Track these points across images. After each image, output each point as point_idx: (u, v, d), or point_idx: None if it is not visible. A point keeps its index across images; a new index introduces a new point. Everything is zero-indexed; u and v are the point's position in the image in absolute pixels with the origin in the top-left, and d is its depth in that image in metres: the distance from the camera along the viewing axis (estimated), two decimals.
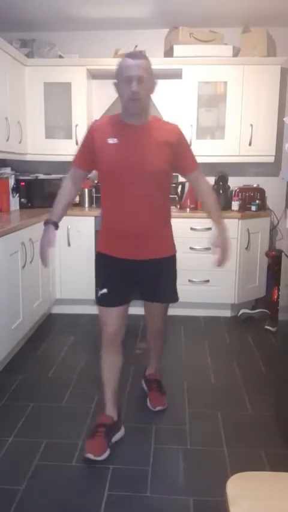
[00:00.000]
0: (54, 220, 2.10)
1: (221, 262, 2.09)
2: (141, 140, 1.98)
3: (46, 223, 2.10)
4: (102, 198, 2.09)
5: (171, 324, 3.67)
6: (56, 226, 2.10)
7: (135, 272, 2.10)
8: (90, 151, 2.02)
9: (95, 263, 2.20)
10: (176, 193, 4.01)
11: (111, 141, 1.96)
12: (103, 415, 2.16)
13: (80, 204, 4.07)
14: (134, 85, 1.86)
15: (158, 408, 2.40)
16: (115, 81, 1.94)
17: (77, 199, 4.09)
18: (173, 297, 2.26)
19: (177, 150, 2.02)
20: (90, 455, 1.98)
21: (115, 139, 1.96)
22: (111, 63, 3.75)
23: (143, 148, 1.97)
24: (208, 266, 3.74)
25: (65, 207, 2.14)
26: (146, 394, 2.51)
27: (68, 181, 2.14)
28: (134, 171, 1.96)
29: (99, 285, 2.13)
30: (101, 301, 2.12)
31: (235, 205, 3.92)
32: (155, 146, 1.98)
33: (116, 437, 2.13)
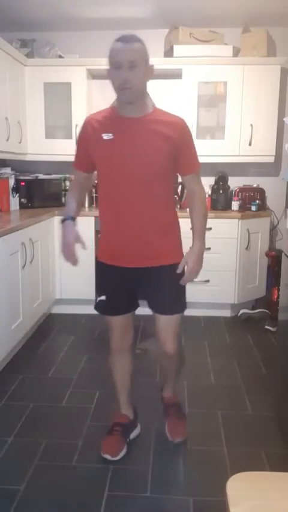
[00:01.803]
0: (72, 215, 1.95)
1: (185, 280, 1.94)
2: (138, 134, 1.79)
3: (64, 220, 1.95)
4: (99, 199, 1.96)
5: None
6: (74, 221, 1.95)
7: (134, 280, 1.93)
8: (86, 149, 1.87)
9: (95, 269, 2.10)
10: (176, 193, 4.01)
11: (106, 136, 1.79)
12: (119, 414, 2.15)
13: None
14: (124, 72, 1.68)
15: (177, 440, 2.11)
16: (107, 67, 1.75)
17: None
18: (173, 308, 1.99)
19: (178, 147, 1.82)
20: (108, 456, 1.98)
21: (110, 135, 1.79)
22: None
23: (140, 144, 1.78)
24: (208, 266, 3.73)
25: (78, 206, 2.01)
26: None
27: (72, 188, 2.07)
28: (130, 170, 1.80)
29: (98, 291, 2.05)
30: (98, 308, 2.04)
31: (235, 205, 3.92)
32: (154, 141, 1.78)
33: (133, 435, 2.15)
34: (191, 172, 1.94)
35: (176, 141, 1.81)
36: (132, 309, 2.05)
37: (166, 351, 2.04)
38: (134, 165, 1.80)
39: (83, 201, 2.07)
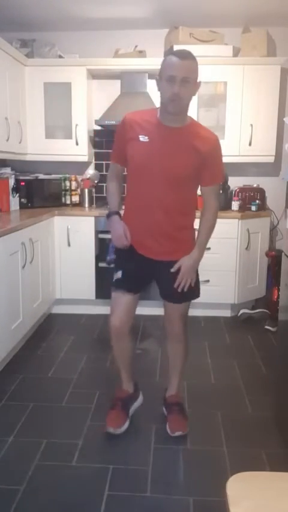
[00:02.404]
0: (117, 211, 2.11)
1: (177, 285, 2.05)
2: (171, 143, 1.93)
3: (109, 215, 2.10)
4: (127, 190, 2.09)
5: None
6: (120, 216, 2.10)
7: (148, 267, 2.08)
8: (122, 145, 2.00)
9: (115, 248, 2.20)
10: None
11: (142, 138, 1.93)
12: (119, 390, 2.31)
13: (80, 204, 4.08)
14: (176, 86, 1.80)
15: (177, 433, 2.15)
16: (157, 77, 1.89)
17: (77, 199, 4.10)
18: (183, 298, 2.13)
19: (206, 161, 1.96)
20: (111, 429, 2.15)
21: (146, 138, 1.92)
22: (111, 63, 3.80)
23: (171, 152, 1.92)
24: (208, 266, 3.75)
25: (119, 198, 2.14)
26: (164, 415, 2.31)
27: (112, 178, 2.16)
28: (157, 174, 1.93)
29: (116, 268, 2.16)
30: (114, 284, 2.14)
31: (235, 205, 3.92)
32: (184, 151, 1.93)
33: (135, 406, 2.31)
34: (211, 184, 2.06)
35: (205, 155, 1.94)
36: (140, 290, 2.17)
37: (174, 331, 2.21)
38: (161, 171, 1.93)
39: (121, 192, 2.18)
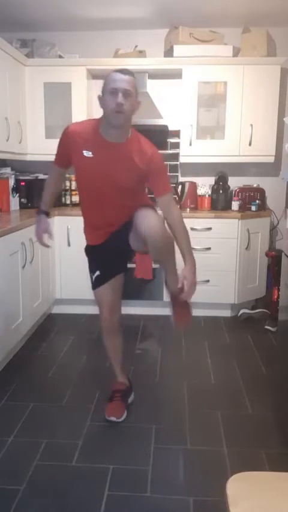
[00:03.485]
0: (46, 210, 2.32)
1: (187, 296, 2.11)
2: (113, 160, 2.01)
3: (38, 213, 2.32)
4: (80, 197, 2.25)
5: (171, 324, 3.67)
6: (47, 215, 2.32)
7: (115, 238, 2.20)
8: (65, 154, 2.10)
9: (86, 255, 2.36)
10: (176, 193, 4.01)
11: (86, 153, 2.01)
12: (117, 382, 2.43)
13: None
14: (120, 96, 1.89)
15: (180, 326, 2.37)
16: (99, 95, 1.97)
17: (78, 199, 4.10)
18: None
19: (148, 175, 2.06)
20: (113, 418, 2.27)
21: (90, 153, 2.01)
22: (111, 63, 3.79)
23: (114, 167, 2.02)
24: (208, 266, 3.76)
25: (53, 195, 2.34)
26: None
27: (53, 174, 2.30)
28: (104, 187, 2.05)
29: (91, 271, 2.32)
30: (95, 283, 2.31)
31: (235, 205, 3.92)
32: (127, 167, 2.02)
33: (130, 400, 2.43)
34: (162, 194, 2.11)
35: (144, 169, 2.04)
36: (122, 270, 2.33)
37: (147, 229, 1.98)
38: (107, 182, 2.04)
39: (58, 194, 2.41)
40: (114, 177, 2.03)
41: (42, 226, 2.30)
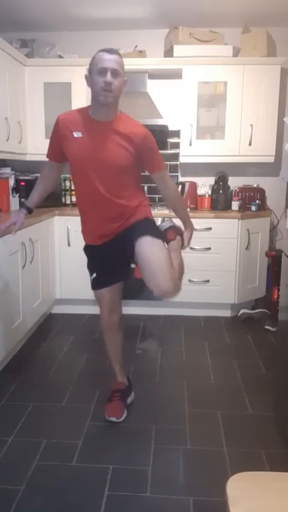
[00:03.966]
0: (29, 206, 2.30)
1: (187, 243, 2.32)
2: (104, 137, 2.02)
3: (20, 207, 2.30)
4: (76, 192, 2.22)
5: (171, 324, 3.68)
6: (29, 211, 2.31)
7: (114, 247, 2.19)
8: (57, 144, 2.11)
9: (85, 253, 2.34)
10: None
11: (76, 134, 2.03)
12: (116, 382, 2.43)
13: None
14: (109, 75, 1.92)
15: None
16: (86, 74, 2.01)
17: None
18: (155, 233, 2.18)
19: (141, 153, 2.07)
20: (113, 418, 2.26)
21: (79, 133, 2.03)
22: None
23: (105, 145, 2.02)
24: (208, 266, 3.76)
25: (42, 193, 2.30)
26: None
27: (45, 170, 2.28)
28: (96, 166, 2.03)
29: (90, 271, 2.33)
30: (93, 285, 2.32)
31: (235, 205, 3.92)
32: (117, 144, 2.03)
33: (129, 400, 2.42)
34: (156, 171, 2.17)
35: (137, 146, 2.05)
36: (121, 278, 2.32)
37: (157, 288, 2.05)
38: (100, 162, 2.03)
39: (50, 187, 2.32)
40: (108, 156, 2.02)
41: (15, 218, 2.29)
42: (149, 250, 2.08)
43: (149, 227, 2.18)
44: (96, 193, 2.08)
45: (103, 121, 2.03)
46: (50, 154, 2.21)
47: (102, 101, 1.96)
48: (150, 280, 2.05)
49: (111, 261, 2.25)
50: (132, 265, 2.26)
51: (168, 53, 3.86)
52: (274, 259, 3.75)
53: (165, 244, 2.25)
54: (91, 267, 2.33)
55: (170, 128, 4.00)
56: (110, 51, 1.96)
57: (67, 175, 4.06)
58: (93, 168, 2.04)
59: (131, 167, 2.09)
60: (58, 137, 2.09)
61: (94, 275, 2.30)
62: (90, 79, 1.99)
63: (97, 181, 2.06)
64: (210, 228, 3.71)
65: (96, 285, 2.32)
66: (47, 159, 2.25)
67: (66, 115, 2.11)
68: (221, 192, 4.00)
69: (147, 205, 2.26)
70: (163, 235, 2.28)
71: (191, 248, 3.69)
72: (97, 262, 2.29)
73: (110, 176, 2.06)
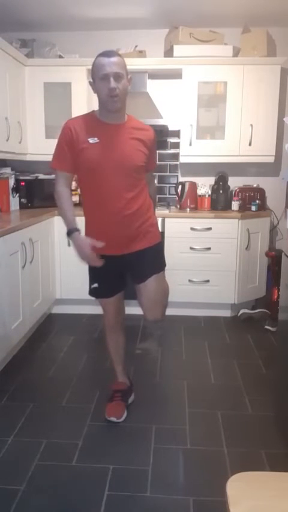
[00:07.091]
0: (77, 227, 2.10)
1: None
2: (121, 139, 2.04)
3: (70, 233, 2.09)
4: (83, 197, 2.19)
5: (171, 324, 3.67)
6: (79, 231, 2.12)
7: (121, 264, 2.20)
8: (69, 151, 2.04)
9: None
10: (176, 193, 4.01)
11: (92, 140, 2.00)
12: (117, 382, 2.43)
13: (80, 204, 4.05)
14: (111, 81, 1.91)
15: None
16: (90, 81, 2.01)
17: (77, 199, 4.10)
18: (154, 271, 2.22)
19: (150, 153, 2.14)
20: (113, 418, 2.26)
21: (95, 139, 2.00)
22: None
23: (123, 148, 2.03)
24: (208, 266, 3.76)
25: (73, 210, 2.15)
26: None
27: (63, 187, 2.13)
28: (115, 168, 2.02)
29: (90, 279, 2.30)
30: (92, 293, 2.33)
31: (235, 205, 3.92)
32: (134, 144, 2.06)
33: (130, 400, 2.42)
34: (151, 169, 2.28)
35: (148, 145, 2.12)
36: (122, 289, 2.33)
37: (157, 309, 2.28)
38: (118, 164, 2.03)
39: (72, 203, 2.20)
40: (125, 157, 2.03)
41: (84, 244, 2.06)
42: (154, 289, 2.22)
43: (159, 259, 2.28)
44: (110, 194, 2.06)
45: (116, 124, 2.04)
46: (66, 166, 2.07)
47: (110, 108, 1.98)
48: (148, 310, 2.26)
49: (115, 273, 2.25)
50: None
51: (168, 53, 3.86)
52: (274, 259, 3.74)
53: None
54: (93, 276, 2.29)
55: (170, 128, 4.01)
56: (109, 54, 1.94)
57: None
58: (112, 172, 2.02)
59: (144, 166, 2.13)
60: (70, 143, 2.02)
61: (96, 285, 2.28)
62: (94, 86, 1.99)
63: (114, 184, 2.04)
64: (210, 228, 3.71)
65: (97, 294, 2.32)
66: (57, 172, 2.11)
67: (74, 120, 2.07)
68: (221, 192, 4.00)
69: (154, 214, 2.29)
70: (164, 261, 2.34)
71: (191, 248, 3.70)
72: (102, 272, 2.19)
73: (127, 177, 2.06)
